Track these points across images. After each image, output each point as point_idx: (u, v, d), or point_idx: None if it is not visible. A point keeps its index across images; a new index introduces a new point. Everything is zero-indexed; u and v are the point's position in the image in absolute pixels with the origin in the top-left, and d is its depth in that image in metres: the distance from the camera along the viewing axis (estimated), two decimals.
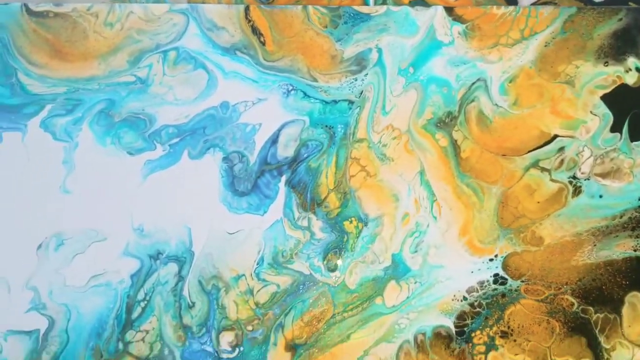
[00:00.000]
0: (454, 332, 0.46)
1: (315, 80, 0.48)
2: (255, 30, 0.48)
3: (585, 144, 0.47)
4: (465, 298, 0.46)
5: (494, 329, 0.46)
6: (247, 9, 0.48)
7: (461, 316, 0.46)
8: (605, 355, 0.45)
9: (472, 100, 0.47)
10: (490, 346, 0.46)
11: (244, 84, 0.48)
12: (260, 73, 0.48)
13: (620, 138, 0.47)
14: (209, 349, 0.46)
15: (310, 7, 0.48)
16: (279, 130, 0.48)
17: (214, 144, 0.48)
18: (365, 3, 0.51)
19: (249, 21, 0.48)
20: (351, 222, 0.47)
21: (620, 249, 0.47)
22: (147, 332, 0.46)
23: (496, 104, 0.47)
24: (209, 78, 0.47)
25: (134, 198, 0.46)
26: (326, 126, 0.47)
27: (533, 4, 0.50)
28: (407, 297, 0.46)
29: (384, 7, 0.48)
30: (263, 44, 0.48)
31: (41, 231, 0.46)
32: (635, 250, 0.46)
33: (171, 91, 0.47)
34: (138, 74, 0.46)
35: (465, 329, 0.46)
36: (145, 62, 0.47)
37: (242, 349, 0.46)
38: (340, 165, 0.47)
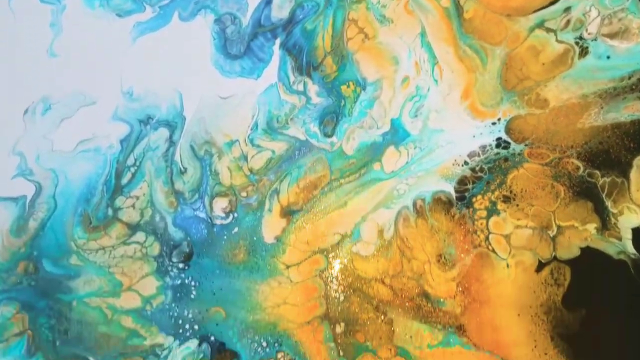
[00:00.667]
0: (454, 197, 0.45)
1: None
2: None
3: (592, 3, 0.45)
4: (466, 163, 0.45)
5: (496, 193, 0.44)
6: None
7: (462, 181, 0.45)
8: (613, 220, 0.44)
9: None
10: (492, 211, 0.44)
11: None
12: None
13: None
14: (202, 215, 0.45)
15: None
16: None
17: (205, 5, 0.46)
18: None
19: None
20: (349, 86, 0.46)
21: (628, 111, 0.45)
22: (138, 198, 0.45)
23: None
24: None
25: (123, 61, 0.45)
26: None
27: None
28: (407, 163, 0.45)
29: None
30: None
31: (28, 96, 0.45)
32: None
33: None
34: None
35: (466, 194, 0.45)
36: None
37: (236, 215, 0.45)
38: (337, 27, 0.46)
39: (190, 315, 0.45)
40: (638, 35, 0.45)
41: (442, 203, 0.45)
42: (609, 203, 0.44)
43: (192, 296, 0.45)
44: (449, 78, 0.45)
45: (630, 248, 0.44)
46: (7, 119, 0.45)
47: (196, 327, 0.45)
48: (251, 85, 0.46)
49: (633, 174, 0.45)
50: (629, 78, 0.46)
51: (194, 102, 0.46)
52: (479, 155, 0.45)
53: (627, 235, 0.44)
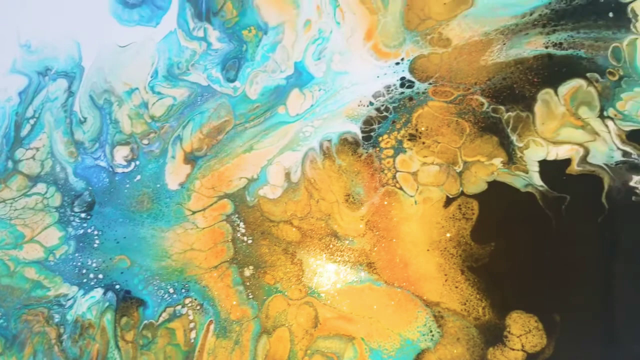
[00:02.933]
0: (360, 138, 0.46)
1: None
2: None
3: None
4: (371, 103, 0.46)
5: (402, 132, 0.46)
6: None
7: (368, 121, 0.46)
8: (518, 154, 0.46)
9: None
10: (399, 150, 0.46)
11: None
12: None
13: None
14: (103, 164, 0.46)
15: None
16: None
17: None
18: None
19: None
20: (250, 30, 0.47)
21: (531, 46, 0.47)
22: (38, 149, 0.45)
23: None
24: None
25: (19, 13, 0.46)
26: None
27: None
28: (312, 105, 0.46)
29: None
30: None
31: None
32: (546, 47, 0.47)
33: None
34: None
35: (372, 133, 0.46)
36: None
37: (138, 162, 0.46)
38: None
39: (94, 265, 0.45)
40: None
41: (349, 144, 0.46)
42: (514, 137, 0.46)
43: (96, 245, 0.45)
44: (351, 20, 0.47)
45: (538, 180, 0.46)
46: None
47: (100, 276, 0.45)
48: (150, 33, 0.47)
49: (537, 108, 0.47)
50: (531, 14, 0.48)
51: (93, 52, 0.47)
52: (383, 96, 0.46)
53: (534, 168, 0.45)
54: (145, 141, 0.46)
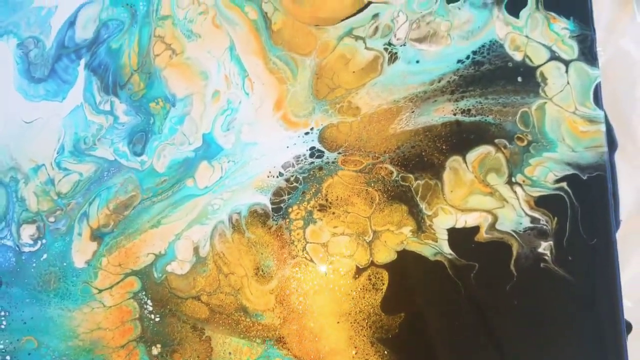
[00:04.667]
0: (270, 209, 0.47)
1: None
2: None
3: (400, 9, 0.49)
4: (281, 174, 0.47)
5: (312, 202, 0.47)
6: None
7: (278, 192, 0.47)
8: (427, 222, 0.47)
9: None
10: (309, 220, 0.47)
11: None
12: None
13: (437, 1, 0.49)
14: (9, 243, 0.46)
15: None
16: (77, 11, 0.48)
17: (8, 31, 0.48)
18: None
19: None
20: (157, 103, 0.48)
21: (439, 113, 0.49)
22: None
23: None
24: None
25: None
26: (127, 4, 0.48)
27: None
28: (220, 177, 0.47)
29: None
30: None
31: None
32: (454, 114, 0.48)
33: None
34: None
35: (282, 205, 0.47)
36: None
37: (44, 241, 0.47)
38: (143, 44, 0.48)
39: (1, 346, 0.46)
40: (447, 37, 0.49)
41: (259, 215, 0.47)
42: (423, 205, 0.47)
43: (2, 327, 0.46)
44: (260, 90, 0.48)
45: (447, 248, 0.47)
46: None
47: (8, 358, 0.46)
48: (56, 108, 0.48)
49: (446, 176, 0.48)
50: (439, 81, 0.49)
51: None
52: (293, 166, 0.47)
53: (443, 236, 0.47)
54: (52, 219, 0.46)
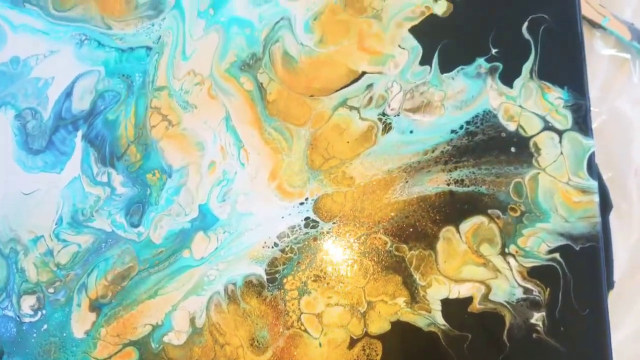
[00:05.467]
0: (265, 280, 0.48)
1: (109, 28, 0.50)
2: None
3: (394, 79, 0.50)
4: (276, 244, 0.48)
5: (307, 273, 0.48)
6: None
7: (273, 263, 0.49)
8: (421, 293, 0.48)
9: (277, 41, 0.50)
10: (304, 291, 0.48)
11: (35, 36, 0.49)
12: (51, 24, 0.50)
13: (430, 71, 0.50)
14: (10, 313, 0.48)
15: None
16: (73, 82, 0.50)
17: (5, 102, 0.49)
18: None
19: None
20: (154, 174, 0.49)
21: (433, 184, 0.50)
22: None
23: (301, 43, 0.49)
24: None
25: None
26: (123, 75, 0.49)
27: None
28: (216, 248, 0.48)
29: None
30: None
31: None
32: (448, 184, 0.49)
33: None
34: None
35: (277, 275, 0.48)
36: None
37: (44, 312, 0.48)
38: (140, 115, 0.49)
39: None
40: (440, 107, 0.50)
41: (254, 286, 0.49)
42: (417, 276, 0.48)
43: None
44: (256, 161, 0.49)
45: (440, 319, 0.48)
46: None
47: None
48: (54, 180, 0.49)
49: (440, 246, 0.50)
50: (433, 151, 0.50)
51: None
52: (288, 236, 0.49)
53: (436, 307, 0.48)
54: (51, 290, 0.48)
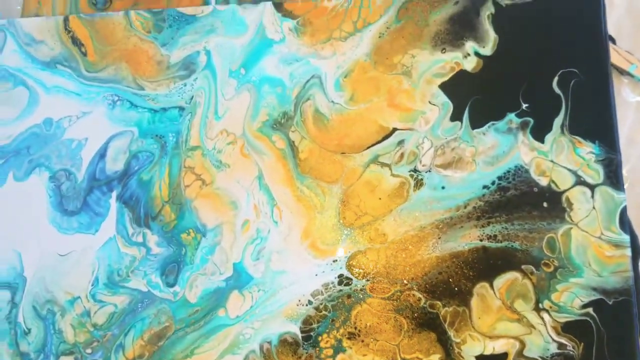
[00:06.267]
0: (300, 338, 0.49)
1: (142, 88, 0.51)
2: (75, 41, 0.51)
3: (425, 135, 0.51)
4: (310, 302, 0.49)
5: (341, 330, 0.49)
6: (66, 19, 0.50)
7: (307, 321, 0.50)
8: (456, 350, 0.49)
9: (308, 99, 0.50)
10: (338, 349, 0.49)
11: (67, 98, 0.51)
12: (83, 85, 0.51)
13: (461, 126, 0.51)
14: None
15: (132, 12, 0.51)
16: (107, 143, 0.51)
17: (40, 163, 0.50)
18: (206, 3, 0.53)
19: (69, 32, 0.51)
20: (189, 233, 0.50)
21: (466, 240, 0.50)
22: None
23: (332, 101, 0.50)
24: (30, 95, 0.50)
25: None
26: (156, 136, 0.50)
27: None
28: (251, 306, 0.49)
29: (210, 7, 0.51)
30: (85, 54, 0.51)
31: None
32: (480, 240, 0.50)
33: None
34: None
35: (311, 333, 0.49)
36: None
37: None
38: (173, 175, 0.50)
39: None
40: (472, 163, 0.50)
41: (289, 344, 0.50)
42: (451, 332, 0.49)
43: None
44: (289, 218, 0.50)
45: None
46: None
47: None
48: (89, 241, 0.50)
49: (474, 302, 0.50)
50: (465, 207, 0.51)
51: (34, 262, 0.50)
52: (322, 294, 0.49)
53: None
54: (89, 350, 0.49)
